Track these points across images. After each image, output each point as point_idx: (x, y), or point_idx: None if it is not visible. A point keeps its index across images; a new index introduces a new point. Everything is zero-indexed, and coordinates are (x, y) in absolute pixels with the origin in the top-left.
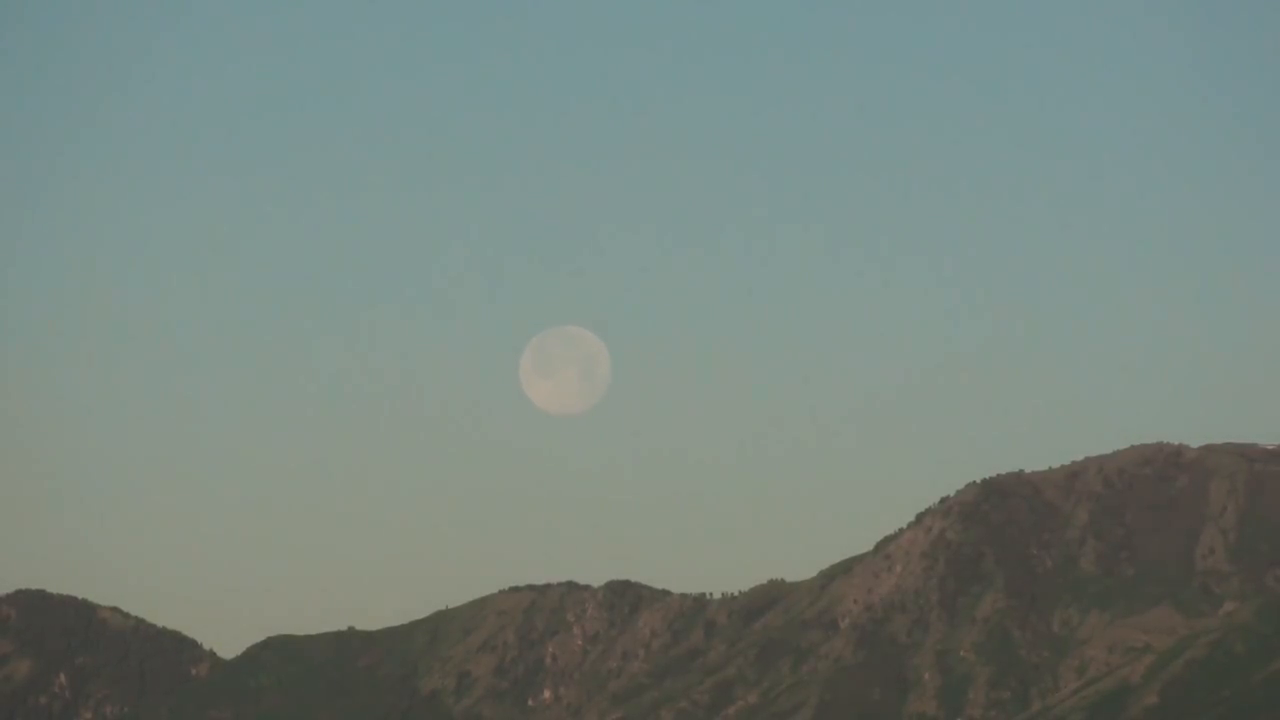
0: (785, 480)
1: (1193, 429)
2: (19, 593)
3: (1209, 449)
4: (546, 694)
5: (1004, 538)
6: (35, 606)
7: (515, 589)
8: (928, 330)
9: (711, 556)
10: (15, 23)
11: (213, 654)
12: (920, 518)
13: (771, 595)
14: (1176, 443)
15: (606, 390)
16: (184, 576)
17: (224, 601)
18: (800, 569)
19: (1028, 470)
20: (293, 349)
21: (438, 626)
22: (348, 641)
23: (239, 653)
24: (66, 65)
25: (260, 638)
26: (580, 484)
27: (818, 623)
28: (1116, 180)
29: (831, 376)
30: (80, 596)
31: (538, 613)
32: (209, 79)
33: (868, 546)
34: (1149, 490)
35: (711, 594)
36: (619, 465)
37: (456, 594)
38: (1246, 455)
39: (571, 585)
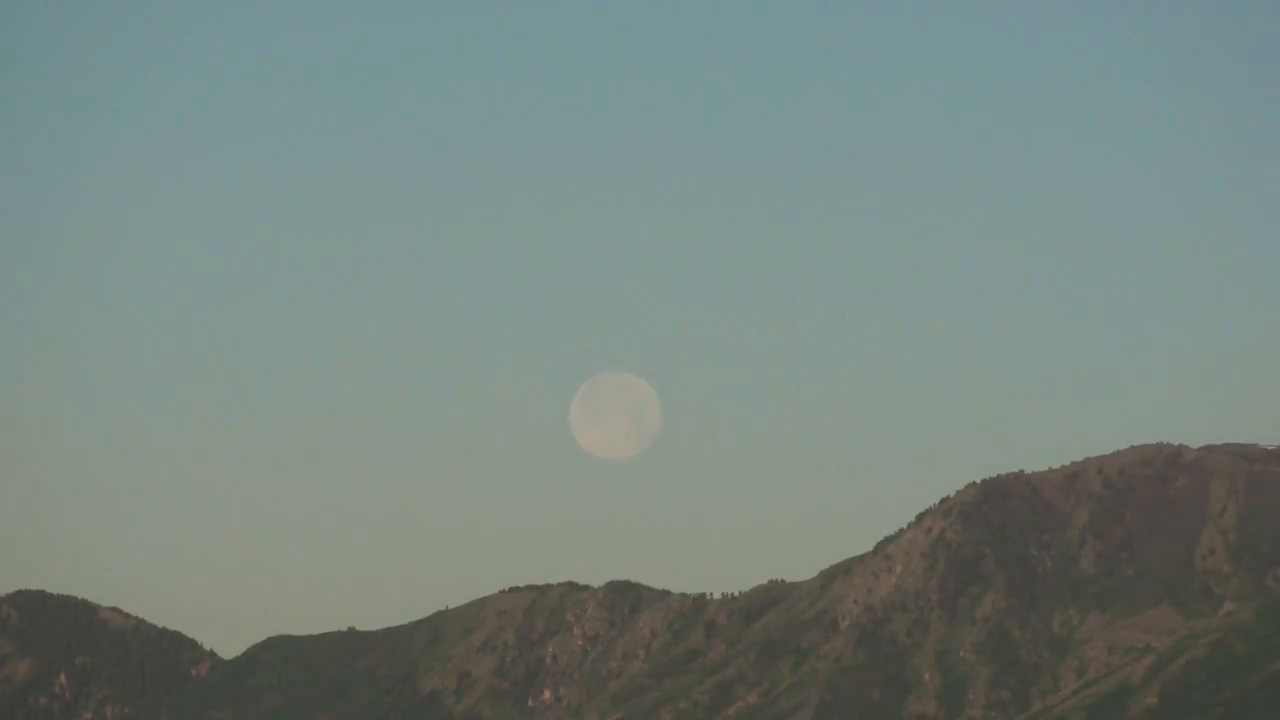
0: (785, 480)
1: (1193, 429)
2: (19, 593)
3: (1209, 449)
4: (546, 694)
5: (1004, 538)
6: (35, 606)
7: (515, 589)
8: (928, 330)
9: (711, 556)
10: (16, 23)
11: (213, 654)
12: (920, 518)
13: (771, 595)
14: (1176, 443)
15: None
16: (184, 576)
17: (224, 601)
18: (800, 569)
19: (1028, 470)
20: (298, 354)
21: (438, 626)
22: (348, 641)
23: (239, 653)
24: (67, 66)
25: (260, 638)
26: (584, 487)
27: (818, 623)
28: (1116, 180)
29: (832, 376)
30: (80, 596)
31: (538, 613)
32: (242, 98)
33: (868, 546)
34: (1149, 490)
35: (711, 594)
36: (623, 472)
37: (456, 594)
38: (1246, 455)
39: (571, 585)
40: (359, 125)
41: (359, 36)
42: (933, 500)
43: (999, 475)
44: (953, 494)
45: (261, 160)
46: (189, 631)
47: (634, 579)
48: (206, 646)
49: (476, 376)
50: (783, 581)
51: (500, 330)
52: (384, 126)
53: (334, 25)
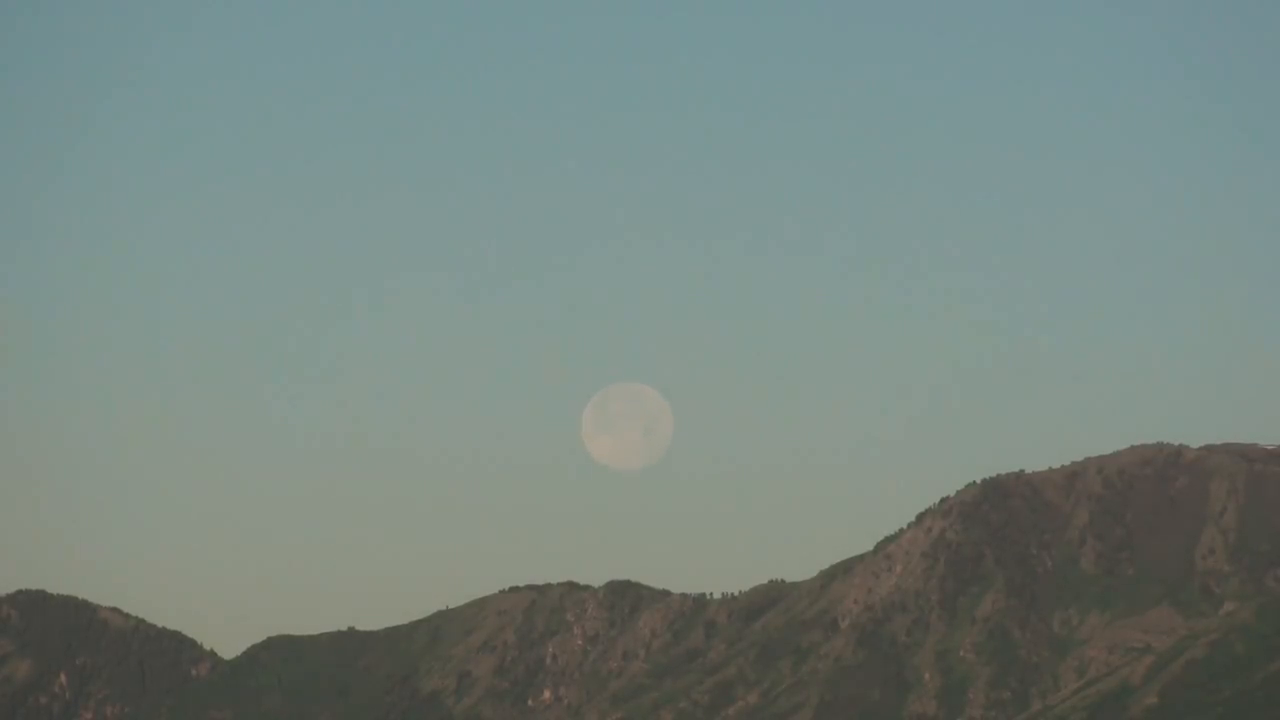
0: (785, 480)
1: (1193, 429)
2: (19, 593)
3: (1209, 449)
4: (546, 694)
5: (1004, 538)
6: (35, 606)
7: (515, 589)
8: (928, 331)
9: (711, 556)
10: (15, 23)
11: (213, 654)
12: (920, 518)
13: (771, 595)
14: (1176, 443)
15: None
16: (184, 576)
17: (224, 601)
18: (800, 569)
19: (1028, 470)
20: (301, 354)
21: (438, 626)
22: (348, 641)
23: (239, 653)
24: (67, 65)
25: (260, 638)
26: (589, 493)
27: (818, 623)
28: (1115, 180)
29: (831, 377)
30: (80, 596)
31: (538, 613)
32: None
33: (868, 546)
34: (1149, 490)
35: (711, 594)
36: (629, 480)
37: (456, 594)
38: (1246, 455)
39: (571, 585)
40: (365, 127)
41: (357, 37)
42: (933, 500)
43: (999, 475)
44: (953, 494)
45: (263, 161)
46: (189, 631)
47: (634, 579)
48: (206, 646)
49: (488, 380)
50: (783, 581)
51: (513, 335)
52: (391, 128)
53: (332, 25)
